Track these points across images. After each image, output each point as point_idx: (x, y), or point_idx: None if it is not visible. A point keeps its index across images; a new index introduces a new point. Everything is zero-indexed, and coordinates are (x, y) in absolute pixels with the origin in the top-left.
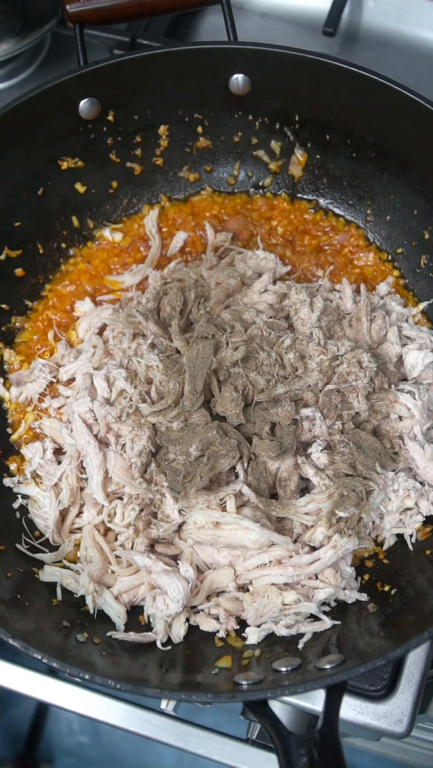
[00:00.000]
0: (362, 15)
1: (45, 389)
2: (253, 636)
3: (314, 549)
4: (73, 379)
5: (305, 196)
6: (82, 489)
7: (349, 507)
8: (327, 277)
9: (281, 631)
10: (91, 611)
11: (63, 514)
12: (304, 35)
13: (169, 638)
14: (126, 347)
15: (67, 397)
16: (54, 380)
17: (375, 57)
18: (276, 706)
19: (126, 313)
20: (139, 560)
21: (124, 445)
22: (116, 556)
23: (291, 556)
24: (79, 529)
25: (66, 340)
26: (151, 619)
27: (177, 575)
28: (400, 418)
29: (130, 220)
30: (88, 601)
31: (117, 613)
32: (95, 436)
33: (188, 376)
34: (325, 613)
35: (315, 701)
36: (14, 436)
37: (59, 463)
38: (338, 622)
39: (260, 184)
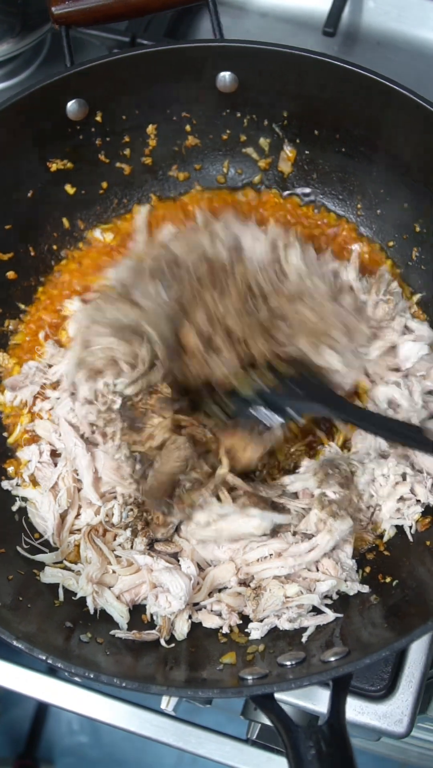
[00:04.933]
0: (362, 15)
1: (38, 392)
2: (256, 631)
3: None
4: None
5: (295, 192)
6: (79, 490)
7: (334, 484)
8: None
9: (284, 625)
10: (92, 612)
11: (62, 516)
12: (304, 35)
13: (172, 636)
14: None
15: (57, 399)
16: (45, 382)
17: (375, 57)
18: None
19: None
20: (140, 559)
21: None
22: (116, 556)
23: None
24: (80, 530)
25: (54, 341)
26: (154, 618)
27: (179, 572)
28: (389, 405)
29: (121, 220)
30: (89, 602)
31: (120, 613)
32: (82, 436)
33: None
34: (327, 606)
35: (317, 701)
36: (10, 439)
37: (56, 465)
38: (341, 615)
39: (250, 181)
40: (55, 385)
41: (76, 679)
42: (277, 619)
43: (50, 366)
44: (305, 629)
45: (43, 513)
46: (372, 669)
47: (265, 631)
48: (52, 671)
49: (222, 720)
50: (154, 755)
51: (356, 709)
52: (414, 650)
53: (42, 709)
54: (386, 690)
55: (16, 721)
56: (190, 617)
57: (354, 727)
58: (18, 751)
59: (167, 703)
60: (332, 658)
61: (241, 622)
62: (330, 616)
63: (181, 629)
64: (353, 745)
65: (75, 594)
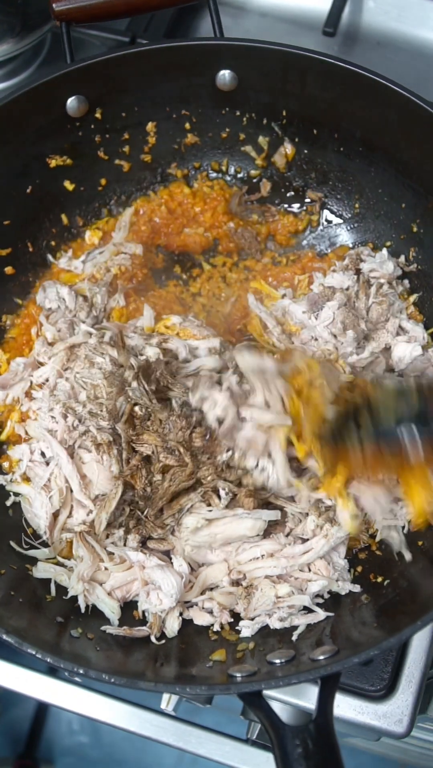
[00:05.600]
0: (362, 15)
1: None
2: (247, 629)
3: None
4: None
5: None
6: (72, 490)
7: None
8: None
9: (275, 624)
10: (83, 610)
11: (55, 515)
12: (304, 35)
13: (163, 632)
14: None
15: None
16: (33, 381)
17: (375, 57)
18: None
19: None
20: (132, 556)
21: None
22: (109, 553)
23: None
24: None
25: (43, 338)
26: (145, 614)
27: (171, 570)
28: None
29: (115, 219)
30: (80, 600)
31: (111, 609)
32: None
33: None
34: (318, 605)
35: (311, 698)
36: (2, 436)
37: (48, 464)
38: (332, 614)
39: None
40: (41, 386)
41: (76, 679)
42: (268, 618)
43: (40, 364)
44: (295, 628)
45: (36, 510)
46: (372, 669)
47: (255, 629)
48: (52, 671)
49: (222, 720)
50: (154, 755)
51: (356, 709)
52: (414, 650)
53: (42, 709)
54: (386, 690)
55: (16, 721)
56: (180, 614)
57: (354, 727)
58: (18, 751)
59: (167, 702)
60: (321, 657)
61: (232, 620)
62: (321, 615)
63: (172, 626)
64: (353, 745)
65: (67, 590)
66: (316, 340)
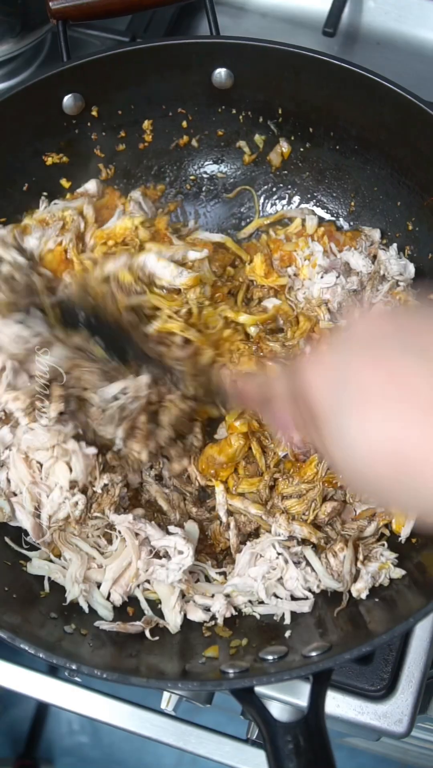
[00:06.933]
0: (362, 15)
1: None
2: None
3: None
4: None
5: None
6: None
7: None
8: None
9: (260, 588)
10: (86, 610)
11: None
12: (304, 35)
13: (156, 629)
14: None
15: None
16: None
17: (375, 57)
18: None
19: None
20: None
21: None
22: (97, 549)
23: None
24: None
25: None
26: (145, 610)
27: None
28: None
29: None
30: (81, 603)
31: (105, 607)
32: None
33: None
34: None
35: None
36: None
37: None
38: (315, 593)
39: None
40: None
41: (76, 678)
42: (254, 581)
43: None
44: (288, 627)
45: (21, 519)
46: (372, 669)
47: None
48: (52, 671)
49: (222, 720)
50: (154, 755)
51: (356, 709)
52: (414, 650)
53: (42, 709)
54: (386, 690)
55: (16, 721)
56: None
57: (354, 727)
58: (18, 751)
59: (167, 702)
60: (314, 653)
61: (236, 613)
62: (309, 600)
63: (175, 621)
64: (353, 746)
65: (61, 586)
66: (308, 301)
